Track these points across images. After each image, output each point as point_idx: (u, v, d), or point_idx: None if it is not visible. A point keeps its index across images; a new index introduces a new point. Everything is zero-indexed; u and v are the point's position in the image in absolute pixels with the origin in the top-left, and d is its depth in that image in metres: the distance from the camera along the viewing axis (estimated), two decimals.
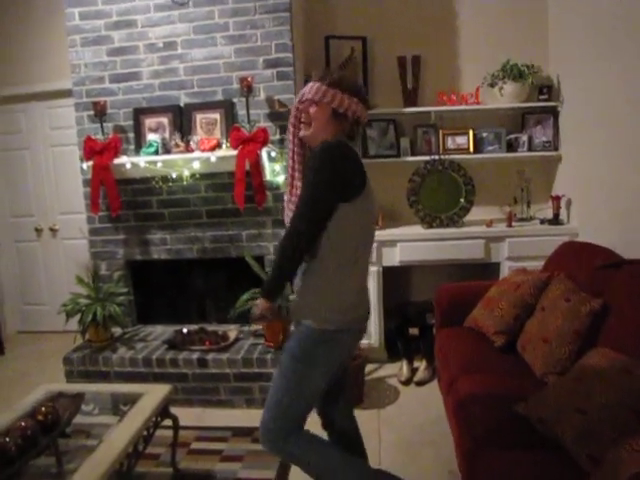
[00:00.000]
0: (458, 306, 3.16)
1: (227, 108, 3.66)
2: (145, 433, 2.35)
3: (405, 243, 3.81)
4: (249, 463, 2.74)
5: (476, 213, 4.01)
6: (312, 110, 1.91)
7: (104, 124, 3.72)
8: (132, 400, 2.47)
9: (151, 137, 3.70)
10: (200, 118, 3.70)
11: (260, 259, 3.74)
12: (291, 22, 3.59)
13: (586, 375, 1.93)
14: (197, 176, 3.74)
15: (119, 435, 2.16)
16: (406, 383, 3.60)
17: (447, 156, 3.96)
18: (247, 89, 3.50)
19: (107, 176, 3.62)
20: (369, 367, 3.69)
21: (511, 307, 2.76)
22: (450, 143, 4.09)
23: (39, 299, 5.17)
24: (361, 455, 2.23)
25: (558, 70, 3.92)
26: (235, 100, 3.67)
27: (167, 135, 3.70)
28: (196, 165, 3.57)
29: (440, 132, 4.09)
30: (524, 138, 4.00)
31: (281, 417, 1.92)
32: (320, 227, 1.81)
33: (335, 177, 1.78)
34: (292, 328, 2.07)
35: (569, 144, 3.81)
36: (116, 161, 3.62)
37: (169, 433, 2.62)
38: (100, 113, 3.68)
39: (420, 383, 3.59)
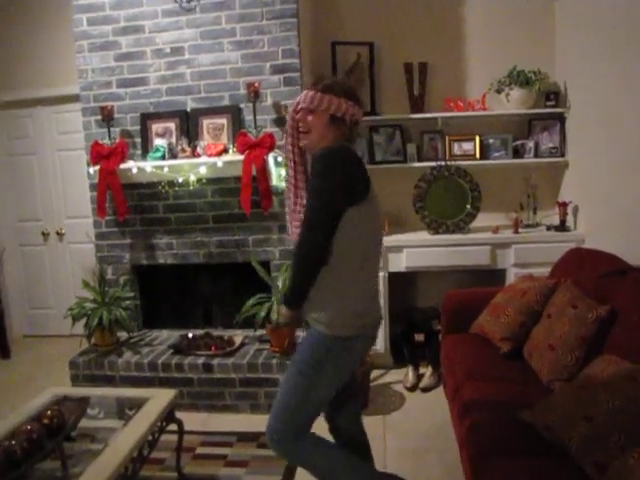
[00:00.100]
0: (464, 312, 3.15)
1: (234, 113, 3.68)
2: (150, 437, 2.35)
3: (411, 249, 3.81)
4: (254, 468, 2.74)
5: (482, 219, 4.00)
6: (309, 119, 1.92)
7: (111, 129, 3.75)
8: (137, 404, 2.48)
9: (158, 142, 3.72)
10: (207, 123, 3.71)
11: (266, 264, 3.75)
12: (298, 28, 3.61)
13: (592, 382, 1.93)
14: (203, 181, 3.75)
15: (124, 439, 2.17)
16: (412, 389, 3.59)
17: (453, 162, 3.95)
18: (254, 94, 3.51)
19: (114, 181, 3.64)
20: (374, 373, 3.68)
21: (517, 314, 2.75)
22: (456, 149, 4.09)
23: (45, 303, 5.18)
24: (368, 460, 2.22)
25: (565, 76, 3.91)
26: (242, 105, 3.69)
27: (174, 140, 3.71)
28: (202, 170, 3.59)
29: (446, 138, 4.09)
30: (530, 144, 3.99)
31: (288, 420, 1.91)
32: (331, 234, 1.81)
33: (341, 182, 1.78)
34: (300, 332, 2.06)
35: (576, 150, 3.80)
36: (123, 166, 3.65)
37: (174, 438, 2.62)
38: (107, 118, 3.71)
39: (426, 389, 3.58)
